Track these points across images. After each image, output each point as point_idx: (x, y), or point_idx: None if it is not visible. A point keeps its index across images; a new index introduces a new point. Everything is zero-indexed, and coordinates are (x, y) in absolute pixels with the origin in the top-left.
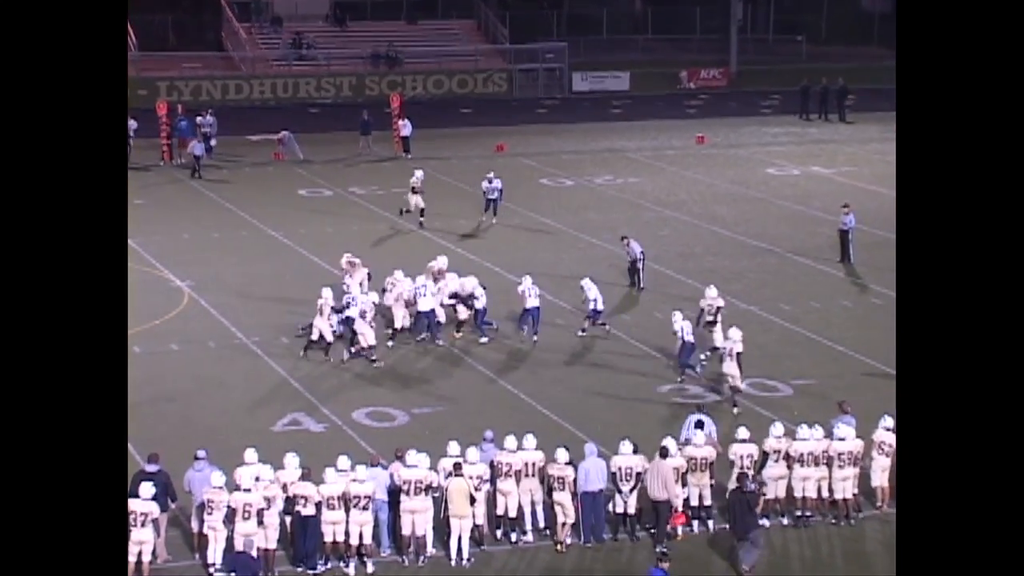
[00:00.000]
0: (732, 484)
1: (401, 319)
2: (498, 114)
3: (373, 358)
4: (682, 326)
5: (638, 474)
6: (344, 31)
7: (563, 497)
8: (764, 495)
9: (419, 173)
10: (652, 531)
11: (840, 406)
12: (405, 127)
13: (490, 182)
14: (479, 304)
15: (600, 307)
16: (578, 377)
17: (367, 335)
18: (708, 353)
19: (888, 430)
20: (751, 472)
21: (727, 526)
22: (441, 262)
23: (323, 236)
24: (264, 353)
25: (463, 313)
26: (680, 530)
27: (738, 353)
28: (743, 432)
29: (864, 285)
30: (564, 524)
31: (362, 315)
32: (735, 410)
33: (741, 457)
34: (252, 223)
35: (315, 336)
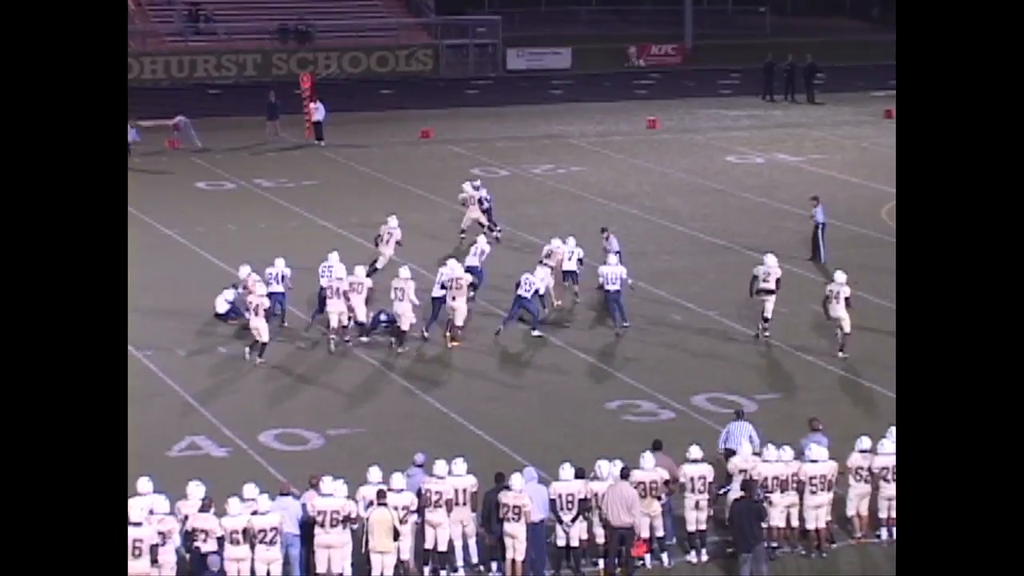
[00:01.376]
0: (736, 493)
1: (409, 321)
2: (423, 96)
3: (260, 355)
4: (530, 281)
5: (581, 501)
6: (248, 2)
7: (516, 529)
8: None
9: (467, 186)
10: (617, 563)
11: (810, 424)
12: (318, 111)
13: (476, 189)
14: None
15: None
16: (515, 393)
17: (261, 331)
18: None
19: (864, 452)
20: (720, 492)
21: (729, 540)
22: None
23: (225, 235)
24: (158, 369)
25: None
26: (647, 560)
27: (847, 297)
28: (695, 451)
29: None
30: (514, 561)
31: (255, 309)
32: (841, 354)
33: (693, 480)
34: (143, 220)
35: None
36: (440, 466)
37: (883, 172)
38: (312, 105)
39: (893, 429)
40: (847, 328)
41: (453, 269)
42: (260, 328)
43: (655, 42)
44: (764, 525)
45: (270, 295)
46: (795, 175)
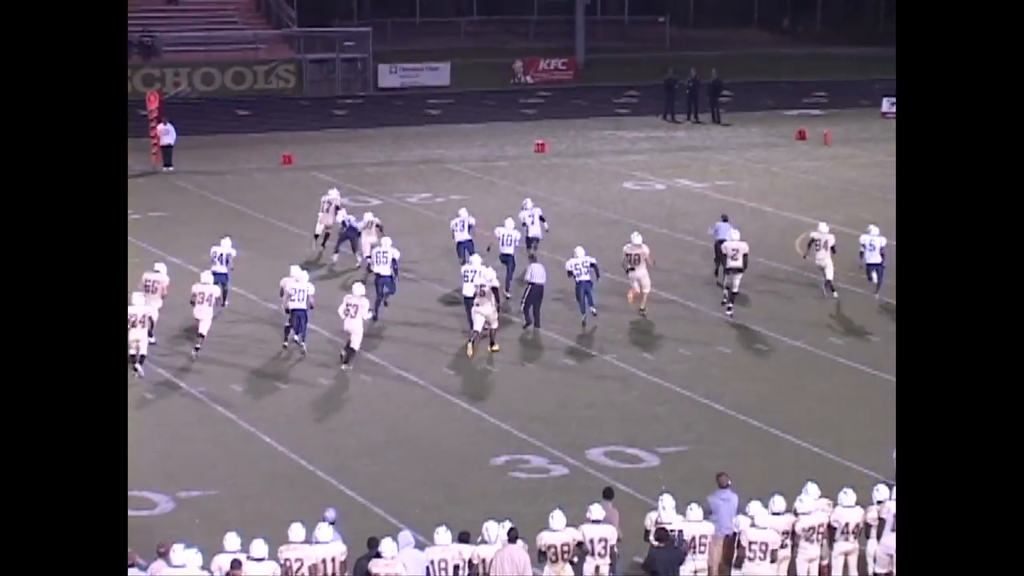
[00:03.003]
0: (653, 540)
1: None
2: (285, 116)
3: (197, 346)
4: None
5: (456, 567)
6: None
7: None
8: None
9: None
10: None
11: (719, 479)
12: (167, 134)
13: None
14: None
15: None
16: (390, 448)
17: (204, 321)
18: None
19: (805, 515)
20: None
21: None
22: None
23: None
24: None
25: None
26: None
27: (832, 245)
28: (596, 511)
29: (746, 327)
30: None
31: (207, 299)
32: (834, 293)
33: (593, 541)
34: None
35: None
36: (296, 530)
37: (795, 199)
38: (160, 127)
39: (811, 484)
40: (830, 275)
41: (481, 272)
42: (203, 318)
43: (543, 56)
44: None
45: (214, 275)
46: (699, 203)
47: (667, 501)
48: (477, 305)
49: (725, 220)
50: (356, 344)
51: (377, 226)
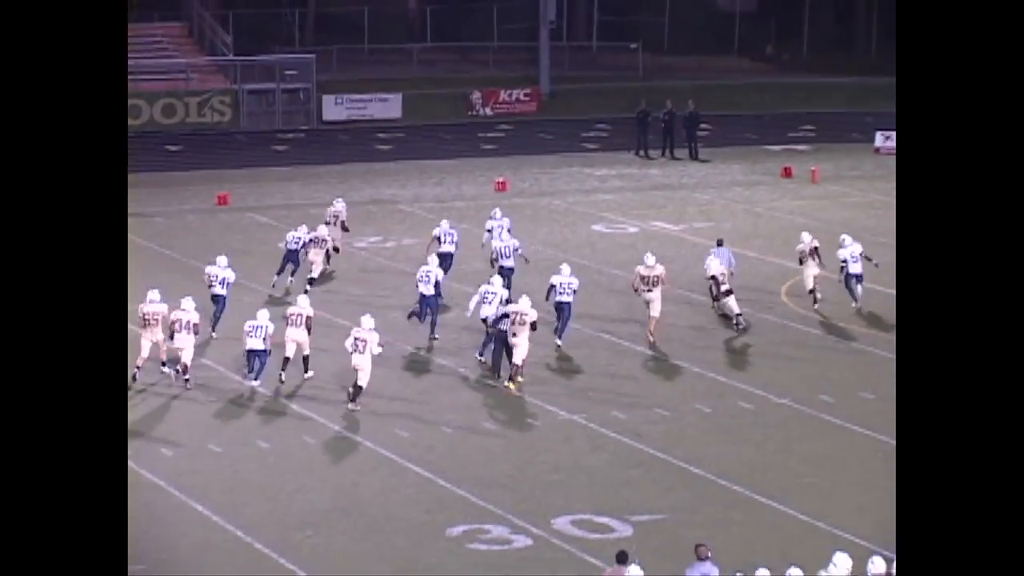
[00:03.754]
0: None
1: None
2: (220, 153)
3: (186, 377)
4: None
5: None
6: None
7: None
8: None
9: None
10: None
11: (697, 551)
12: None
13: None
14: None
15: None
16: (334, 518)
17: (186, 350)
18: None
19: None
20: None
21: None
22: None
23: None
24: None
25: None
26: None
27: (814, 248)
28: None
29: (726, 383)
30: None
31: (186, 326)
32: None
33: None
34: None
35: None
36: None
37: (781, 242)
38: None
39: (840, 555)
40: (811, 284)
41: (518, 301)
42: (187, 347)
43: (504, 86)
44: None
45: (214, 298)
46: (676, 247)
47: (634, 571)
48: (514, 336)
49: (720, 244)
50: (364, 382)
51: (342, 224)
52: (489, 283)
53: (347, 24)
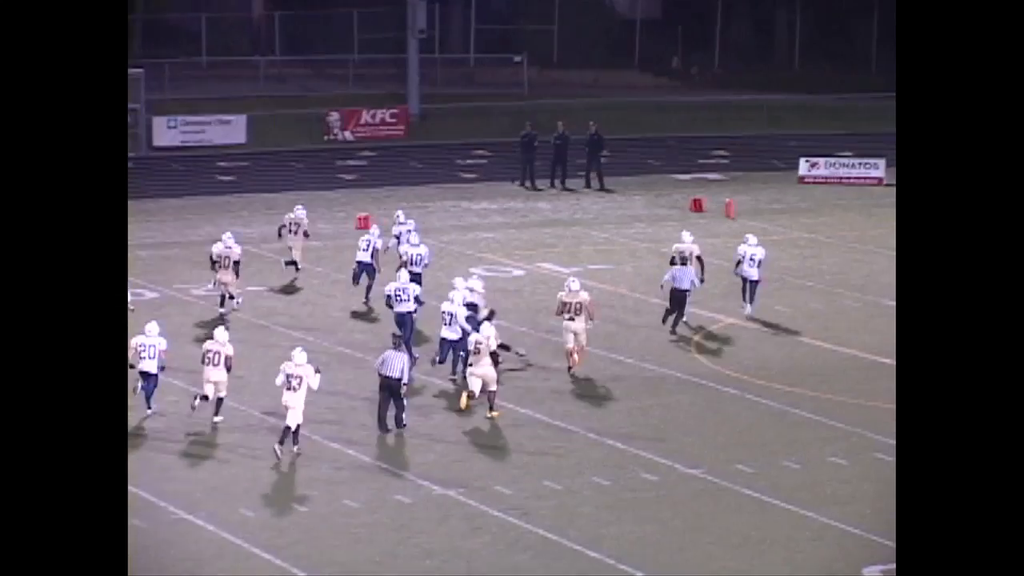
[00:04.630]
0: None
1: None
2: None
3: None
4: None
5: None
6: None
7: None
8: None
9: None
10: None
11: None
12: None
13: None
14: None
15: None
16: None
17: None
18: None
19: None
20: None
21: None
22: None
23: None
24: None
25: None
26: None
27: (698, 256)
28: None
29: (625, 451)
30: None
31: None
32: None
33: None
34: None
35: None
36: None
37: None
38: None
39: None
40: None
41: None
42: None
43: (367, 106)
44: None
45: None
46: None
47: None
48: (471, 365)
49: (684, 263)
50: (294, 422)
51: (304, 232)
52: (450, 300)
53: (181, 34)
